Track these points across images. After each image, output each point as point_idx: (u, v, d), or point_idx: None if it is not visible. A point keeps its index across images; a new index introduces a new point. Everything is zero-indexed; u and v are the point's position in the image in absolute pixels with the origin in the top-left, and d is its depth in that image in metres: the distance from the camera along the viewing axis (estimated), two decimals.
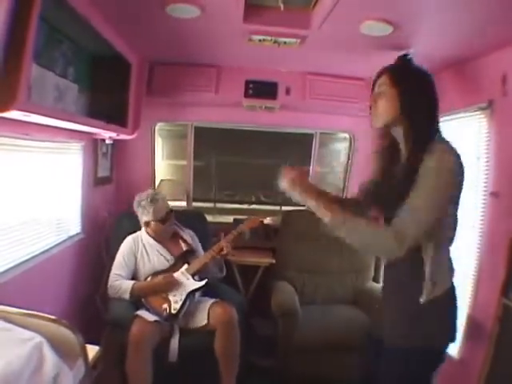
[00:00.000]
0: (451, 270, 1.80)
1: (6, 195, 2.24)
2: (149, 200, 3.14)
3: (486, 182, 2.65)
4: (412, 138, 1.69)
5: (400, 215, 1.59)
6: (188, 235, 3.32)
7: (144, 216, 3.15)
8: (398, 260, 1.67)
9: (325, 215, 1.66)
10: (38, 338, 1.44)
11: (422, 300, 1.69)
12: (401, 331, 1.76)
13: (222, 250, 3.05)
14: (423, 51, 2.50)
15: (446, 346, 1.80)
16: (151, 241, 3.16)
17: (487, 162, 2.65)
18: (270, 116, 3.89)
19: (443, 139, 1.70)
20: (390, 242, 1.59)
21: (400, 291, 1.81)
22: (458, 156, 1.63)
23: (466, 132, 2.89)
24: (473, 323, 2.68)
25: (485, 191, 2.65)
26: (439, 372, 2.86)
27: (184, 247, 3.20)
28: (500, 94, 2.48)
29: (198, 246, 3.32)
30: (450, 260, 1.80)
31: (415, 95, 1.69)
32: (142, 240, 3.16)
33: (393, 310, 1.84)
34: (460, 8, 2.03)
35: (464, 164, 1.65)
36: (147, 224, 3.16)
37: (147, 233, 3.19)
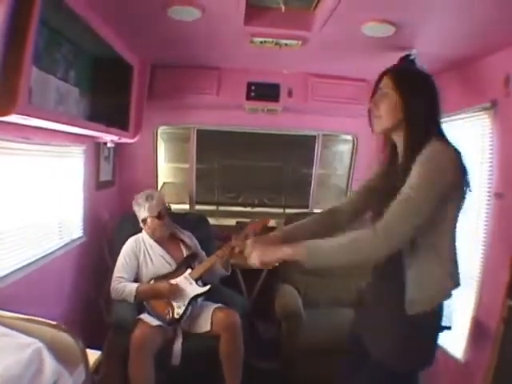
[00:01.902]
0: (445, 284, 1.66)
1: (9, 199, 2.24)
2: (144, 197, 3.19)
3: (489, 183, 2.63)
4: (410, 140, 1.64)
5: (387, 211, 1.53)
6: (188, 237, 3.32)
7: (141, 213, 3.18)
8: (385, 269, 1.64)
9: (300, 257, 1.57)
10: (38, 344, 1.43)
11: (404, 314, 1.60)
12: (383, 349, 1.70)
13: (233, 248, 3.06)
14: (426, 52, 2.49)
15: (422, 369, 1.77)
16: (152, 243, 3.17)
17: (491, 162, 2.63)
18: (272, 118, 3.89)
19: (442, 137, 1.64)
20: (374, 240, 1.50)
21: (382, 303, 1.74)
22: (455, 153, 1.58)
23: (469, 132, 2.87)
24: (478, 325, 2.66)
25: (489, 192, 2.63)
26: (444, 374, 2.85)
27: (185, 251, 3.20)
28: (503, 94, 2.47)
29: (198, 248, 3.33)
30: (443, 273, 1.64)
31: (418, 100, 1.65)
32: (143, 242, 3.17)
33: (374, 322, 1.77)
34: (462, 8, 2.02)
35: (465, 164, 1.59)
36: (144, 221, 3.18)
37: (147, 233, 3.20)
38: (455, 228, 1.66)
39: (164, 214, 3.18)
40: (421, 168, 1.52)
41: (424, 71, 1.74)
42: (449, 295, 1.68)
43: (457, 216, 1.65)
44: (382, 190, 1.75)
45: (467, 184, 1.61)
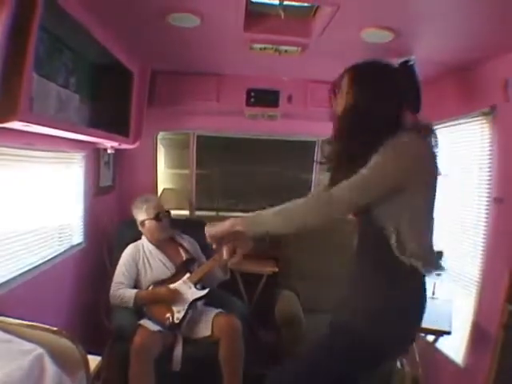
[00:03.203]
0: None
1: (9, 205, 2.24)
2: (142, 200, 3.25)
3: (489, 188, 2.64)
4: (358, 130, 1.69)
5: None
6: (187, 242, 3.33)
7: (139, 216, 3.21)
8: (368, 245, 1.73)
9: (239, 226, 1.67)
10: (39, 350, 1.42)
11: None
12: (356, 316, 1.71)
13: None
14: (425, 57, 2.50)
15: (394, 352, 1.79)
16: (152, 248, 3.18)
17: (490, 167, 2.64)
18: (272, 124, 3.90)
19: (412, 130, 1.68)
20: (322, 203, 1.61)
21: (365, 280, 1.76)
22: (423, 143, 1.66)
23: (468, 137, 2.88)
24: (477, 330, 2.66)
25: (488, 197, 2.64)
26: (444, 380, 2.84)
27: (184, 256, 3.20)
28: (502, 99, 2.48)
29: (198, 252, 3.33)
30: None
31: (368, 91, 1.70)
32: (143, 248, 3.18)
33: (354, 298, 1.79)
34: (461, 14, 2.03)
35: (433, 153, 1.67)
36: (143, 224, 3.20)
37: (146, 238, 3.22)
38: (427, 217, 1.71)
39: (162, 217, 3.20)
40: (380, 154, 1.59)
41: (388, 64, 1.78)
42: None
43: (427, 204, 1.70)
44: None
45: (435, 173, 1.69)
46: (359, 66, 1.78)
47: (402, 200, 1.62)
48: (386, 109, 1.69)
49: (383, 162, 1.59)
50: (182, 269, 3.10)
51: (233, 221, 1.68)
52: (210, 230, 1.75)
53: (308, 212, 1.63)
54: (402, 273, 1.64)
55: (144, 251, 3.17)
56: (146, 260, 3.13)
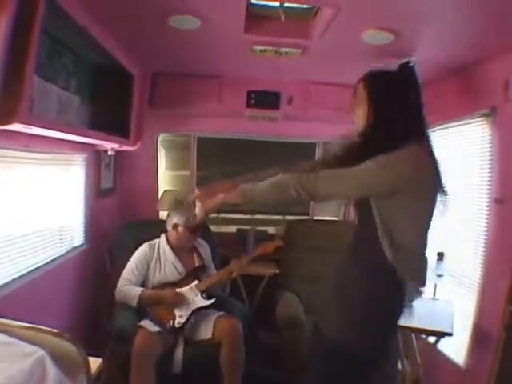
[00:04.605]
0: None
1: (10, 207, 2.24)
2: (189, 205, 3.13)
3: (489, 189, 2.63)
4: (372, 141, 1.70)
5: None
6: (203, 248, 3.33)
7: (176, 218, 3.14)
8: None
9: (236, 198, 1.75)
10: (40, 352, 1.42)
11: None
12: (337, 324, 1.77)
13: (231, 273, 3.08)
14: (425, 58, 2.50)
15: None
16: (167, 249, 3.15)
17: (491, 168, 2.63)
18: (273, 126, 3.89)
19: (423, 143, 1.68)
20: (305, 183, 1.62)
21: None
22: (426, 156, 1.66)
23: (469, 138, 2.88)
24: (479, 331, 2.65)
25: (488, 198, 2.63)
26: (446, 381, 2.83)
27: (197, 262, 3.20)
28: (503, 100, 2.48)
29: (209, 258, 3.33)
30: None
31: (382, 99, 1.72)
32: (159, 248, 3.16)
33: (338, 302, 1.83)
34: (460, 14, 2.04)
35: (437, 169, 1.68)
36: (175, 227, 3.15)
37: (167, 240, 3.19)
38: (423, 227, 1.72)
39: (197, 230, 3.18)
40: (380, 156, 1.61)
41: (397, 73, 1.78)
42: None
43: (425, 215, 1.70)
44: None
45: (436, 189, 1.69)
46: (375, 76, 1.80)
47: (397, 206, 1.64)
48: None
49: (382, 165, 1.61)
50: (191, 275, 3.10)
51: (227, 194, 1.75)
52: (204, 208, 1.82)
53: (294, 190, 1.64)
54: (386, 275, 1.67)
55: (159, 251, 3.15)
56: (158, 260, 3.12)
